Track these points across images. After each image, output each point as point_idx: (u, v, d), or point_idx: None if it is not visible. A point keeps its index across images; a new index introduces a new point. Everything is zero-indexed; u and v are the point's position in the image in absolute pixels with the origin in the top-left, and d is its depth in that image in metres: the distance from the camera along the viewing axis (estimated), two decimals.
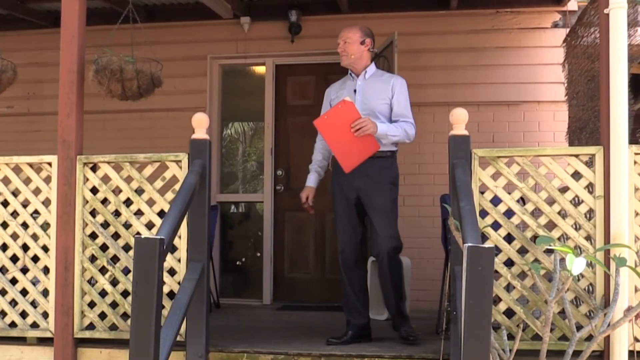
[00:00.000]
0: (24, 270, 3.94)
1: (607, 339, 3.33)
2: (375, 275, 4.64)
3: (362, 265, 4.14)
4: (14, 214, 3.96)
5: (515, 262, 3.49)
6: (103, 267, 3.83)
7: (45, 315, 3.90)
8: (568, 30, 5.33)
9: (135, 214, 3.81)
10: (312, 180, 4.19)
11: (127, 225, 3.84)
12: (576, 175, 3.50)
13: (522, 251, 3.51)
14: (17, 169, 4.00)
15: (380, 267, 3.98)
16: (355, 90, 4.04)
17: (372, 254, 4.25)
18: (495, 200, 3.53)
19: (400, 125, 3.95)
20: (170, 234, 2.95)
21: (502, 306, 3.50)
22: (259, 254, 6.21)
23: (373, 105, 3.97)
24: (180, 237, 3.66)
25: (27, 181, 3.99)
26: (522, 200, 3.84)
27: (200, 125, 3.65)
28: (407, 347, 3.75)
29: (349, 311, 4.04)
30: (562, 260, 3.15)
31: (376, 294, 4.71)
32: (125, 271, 3.82)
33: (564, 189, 3.54)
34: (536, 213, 3.54)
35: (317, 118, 3.90)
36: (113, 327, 3.81)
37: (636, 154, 3.40)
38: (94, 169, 3.88)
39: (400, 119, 3.98)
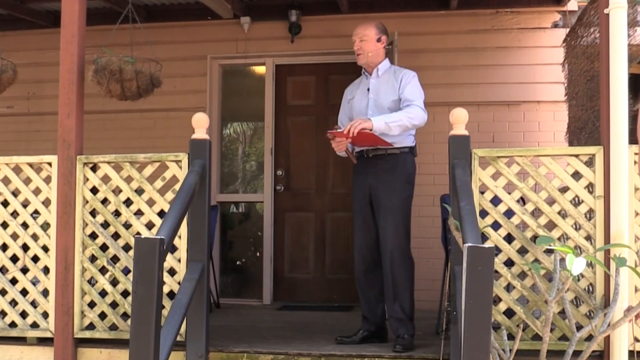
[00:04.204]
0: (24, 270, 3.94)
1: (607, 339, 3.33)
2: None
3: (377, 268, 3.96)
4: (14, 214, 3.96)
5: (515, 262, 3.49)
6: (103, 267, 3.82)
7: (45, 315, 3.90)
8: (568, 30, 5.33)
9: (135, 214, 3.81)
10: None
11: (127, 225, 3.84)
12: (576, 175, 3.50)
13: (522, 251, 3.50)
14: (17, 169, 4.00)
15: (384, 268, 3.87)
16: (368, 89, 4.02)
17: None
18: (495, 200, 3.53)
19: (403, 110, 3.82)
20: (170, 234, 2.95)
21: (502, 306, 3.50)
22: (258, 254, 6.20)
23: (383, 102, 3.93)
24: (180, 237, 3.66)
25: (27, 181, 3.99)
26: (522, 200, 3.84)
27: (200, 125, 3.65)
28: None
29: (363, 314, 4.00)
30: (562, 260, 3.15)
31: None
32: (125, 271, 3.82)
33: (564, 189, 3.53)
34: (536, 213, 3.54)
35: (331, 130, 3.87)
36: (113, 327, 3.81)
37: (636, 154, 3.40)
38: (94, 169, 3.88)
39: (404, 104, 3.87)
